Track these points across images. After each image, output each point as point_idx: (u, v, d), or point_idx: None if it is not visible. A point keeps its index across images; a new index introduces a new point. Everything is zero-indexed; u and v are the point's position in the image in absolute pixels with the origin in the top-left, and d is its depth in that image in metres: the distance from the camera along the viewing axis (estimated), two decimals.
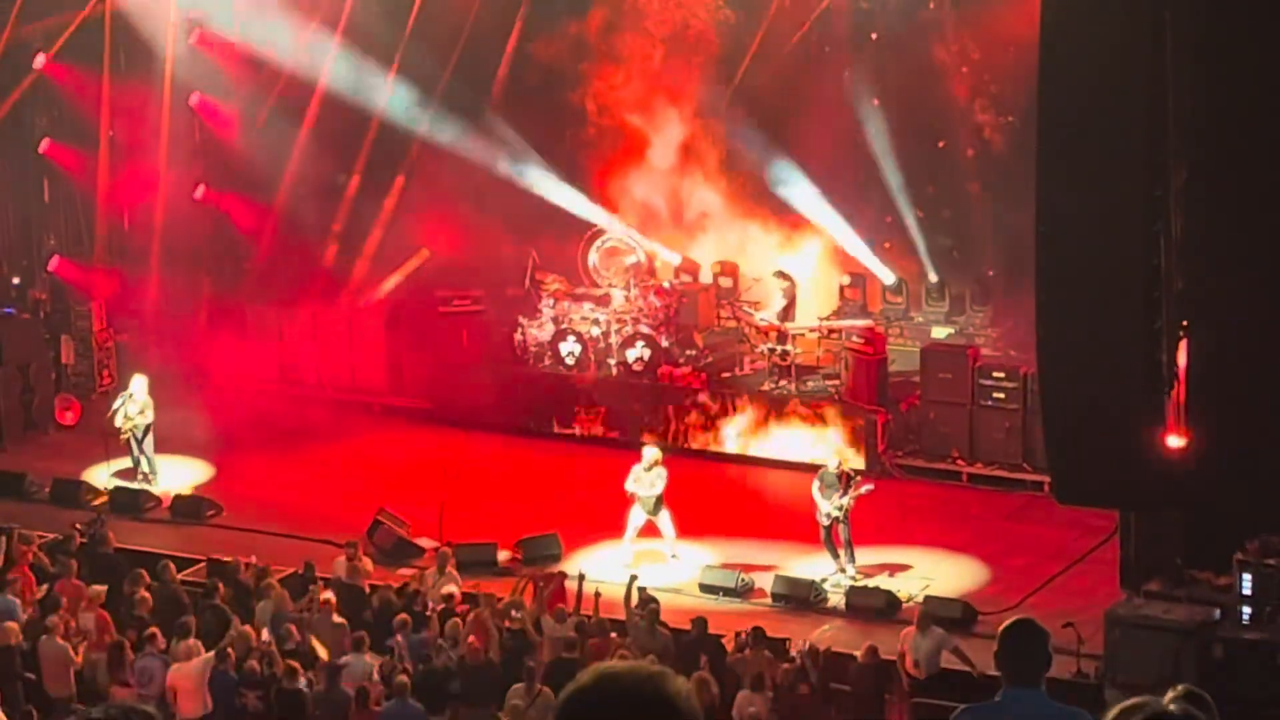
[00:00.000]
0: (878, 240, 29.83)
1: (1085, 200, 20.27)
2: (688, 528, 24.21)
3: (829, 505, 23.11)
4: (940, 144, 29.52)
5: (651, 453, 23.99)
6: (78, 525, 23.59)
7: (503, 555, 24.10)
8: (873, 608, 22.54)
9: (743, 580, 23.23)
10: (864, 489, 23.19)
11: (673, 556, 23.92)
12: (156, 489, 26.58)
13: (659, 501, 23.75)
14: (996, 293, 28.94)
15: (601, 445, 28.00)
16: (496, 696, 19.07)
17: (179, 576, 21.97)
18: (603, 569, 23.37)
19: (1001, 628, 8.62)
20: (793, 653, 20.37)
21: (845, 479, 23.19)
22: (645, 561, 23.70)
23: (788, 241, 30.18)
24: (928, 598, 22.23)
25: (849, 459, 25.22)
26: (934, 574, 23.51)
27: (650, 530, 23.87)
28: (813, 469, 24.05)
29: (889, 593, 22.77)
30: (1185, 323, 20.74)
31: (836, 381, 27.85)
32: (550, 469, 27.36)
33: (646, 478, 23.71)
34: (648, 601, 20.91)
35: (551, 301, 29.28)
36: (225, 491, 26.50)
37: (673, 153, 30.53)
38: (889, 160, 29.32)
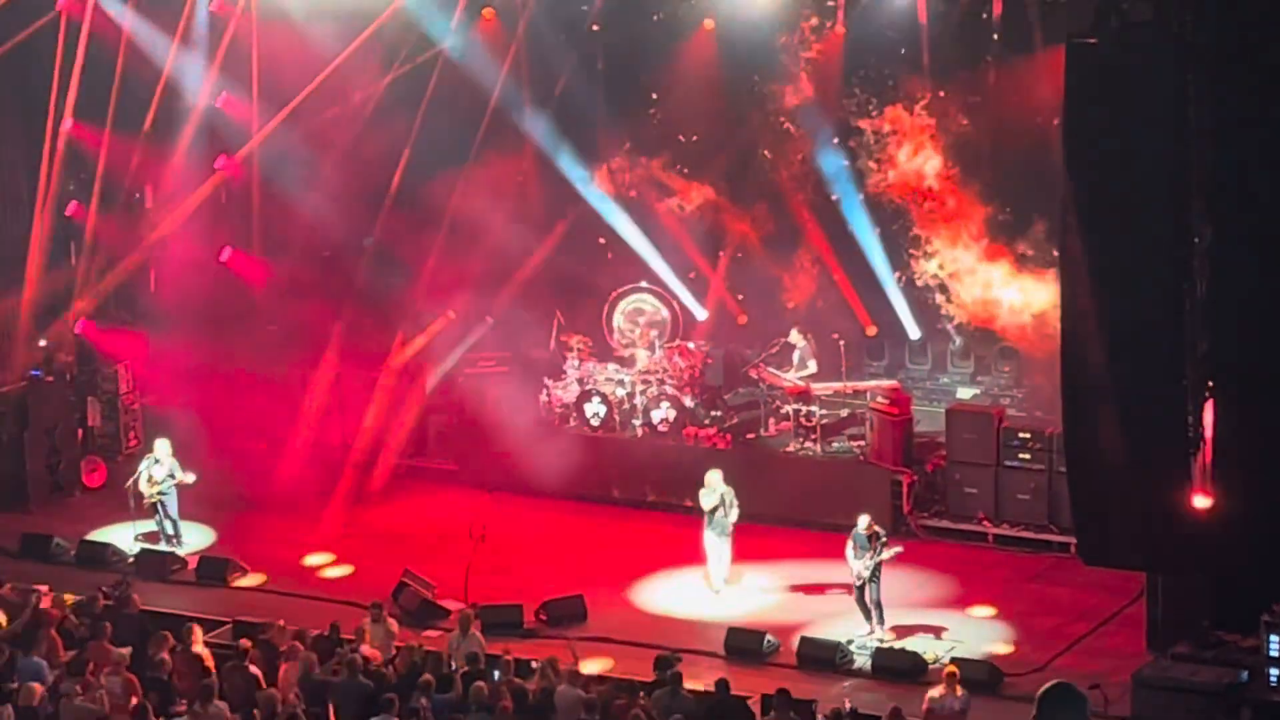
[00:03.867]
0: None
1: (1109, 261, 20.28)
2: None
3: (859, 565, 23.11)
4: None
5: (713, 476, 24.77)
6: (103, 588, 23.62)
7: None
8: (899, 669, 22.47)
9: (769, 641, 23.17)
10: (891, 552, 23.18)
11: (716, 592, 24.56)
12: (182, 551, 26.62)
13: (722, 519, 24.48)
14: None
15: (628, 506, 27.96)
16: None
17: (205, 639, 21.95)
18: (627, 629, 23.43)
19: (1040, 691, 8.35)
20: (819, 715, 20.30)
21: (875, 539, 23.18)
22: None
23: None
24: (954, 659, 22.16)
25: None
26: (960, 635, 23.44)
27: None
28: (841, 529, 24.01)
29: (915, 654, 22.69)
30: (1210, 384, 20.72)
31: (862, 442, 27.83)
32: (577, 530, 27.32)
33: (710, 495, 24.57)
34: (671, 664, 20.81)
35: (576, 362, 29.31)
36: (250, 554, 26.50)
37: None
38: None
